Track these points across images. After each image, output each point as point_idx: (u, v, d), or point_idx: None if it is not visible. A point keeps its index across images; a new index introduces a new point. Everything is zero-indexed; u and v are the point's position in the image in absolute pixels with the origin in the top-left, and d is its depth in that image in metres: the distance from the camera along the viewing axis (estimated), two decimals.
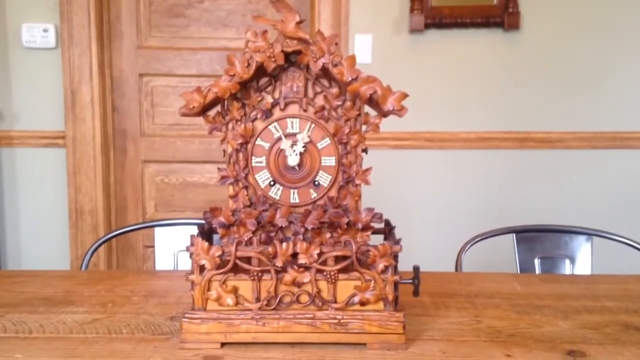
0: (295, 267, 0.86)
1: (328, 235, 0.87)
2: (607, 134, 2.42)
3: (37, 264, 2.49)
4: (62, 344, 0.89)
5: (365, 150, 0.89)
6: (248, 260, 0.87)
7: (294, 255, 0.86)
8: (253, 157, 0.88)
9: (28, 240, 2.53)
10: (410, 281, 0.90)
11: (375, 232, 0.91)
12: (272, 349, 0.85)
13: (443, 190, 2.47)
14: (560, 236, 1.55)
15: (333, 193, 0.89)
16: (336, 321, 0.86)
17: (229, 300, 0.87)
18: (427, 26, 2.34)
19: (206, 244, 0.86)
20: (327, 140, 0.87)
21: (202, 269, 0.87)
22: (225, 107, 0.88)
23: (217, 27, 2.51)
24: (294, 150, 0.87)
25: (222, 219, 0.87)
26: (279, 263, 0.85)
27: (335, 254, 0.86)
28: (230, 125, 0.88)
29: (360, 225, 0.87)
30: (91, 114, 2.42)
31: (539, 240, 1.55)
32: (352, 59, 0.83)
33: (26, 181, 2.50)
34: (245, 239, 0.87)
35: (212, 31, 2.51)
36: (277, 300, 0.87)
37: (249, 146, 0.88)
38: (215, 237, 0.92)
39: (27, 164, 2.48)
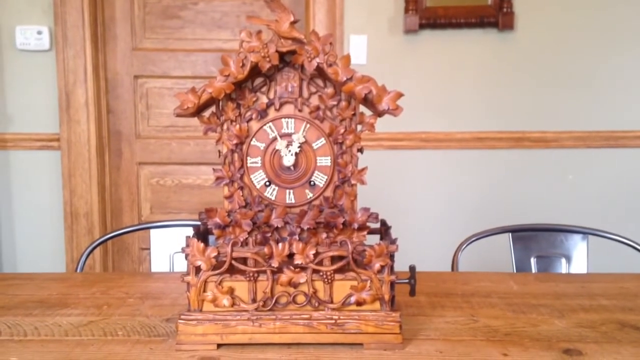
0: (292, 267, 0.86)
1: (324, 235, 0.87)
2: (601, 133, 2.42)
3: (32, 267, 2.48)
4: (57, 346, 0.88)
5: (360, 150, 0.88)
6: (244, 261, 0.87)
7: (290, 255, 0.86)
8: (248, 158, 0.88)
9: (23, 243, 2.52)
10: (407, 281, 0.90)
11: (371, 232, 0.91)
12: (268, 350, 0.85)
13: (439, 190, 2.47)
14: (556, 235, 1.55)
15: (329, 193, 0.88)
16: (333, 321, 0.86)
17: (225, 301, 0.86)
18: (422, 26, 2.34)
19: (202, 245, 0.86)
20: (323, 140, 0.87)
21: (197, 270, 0.86)
22: (220, 108, 0.88)
23: (211, 29, 2.50)
24: (290, 151, 0.87)
25: (217, 219, 0.87)
26: (275, 264, 0.85)
27: (331, 254, 0.86)
28: (225, 126, 0.88)
29: (356, 225, 0.87)
30: (86, 116, 2.42)
31: (534, 240, 1.55)
32: (347, 58, 0.83)
33: (21, 184, 2.49)
34: (241, 239, 0.87)
35: (206, 33, 2.50)
36: (274, 301, 0.86)
37: (244, 147, 0.88)
38: (211, 238, 0.92)
39: (22, 167, 2.48)
